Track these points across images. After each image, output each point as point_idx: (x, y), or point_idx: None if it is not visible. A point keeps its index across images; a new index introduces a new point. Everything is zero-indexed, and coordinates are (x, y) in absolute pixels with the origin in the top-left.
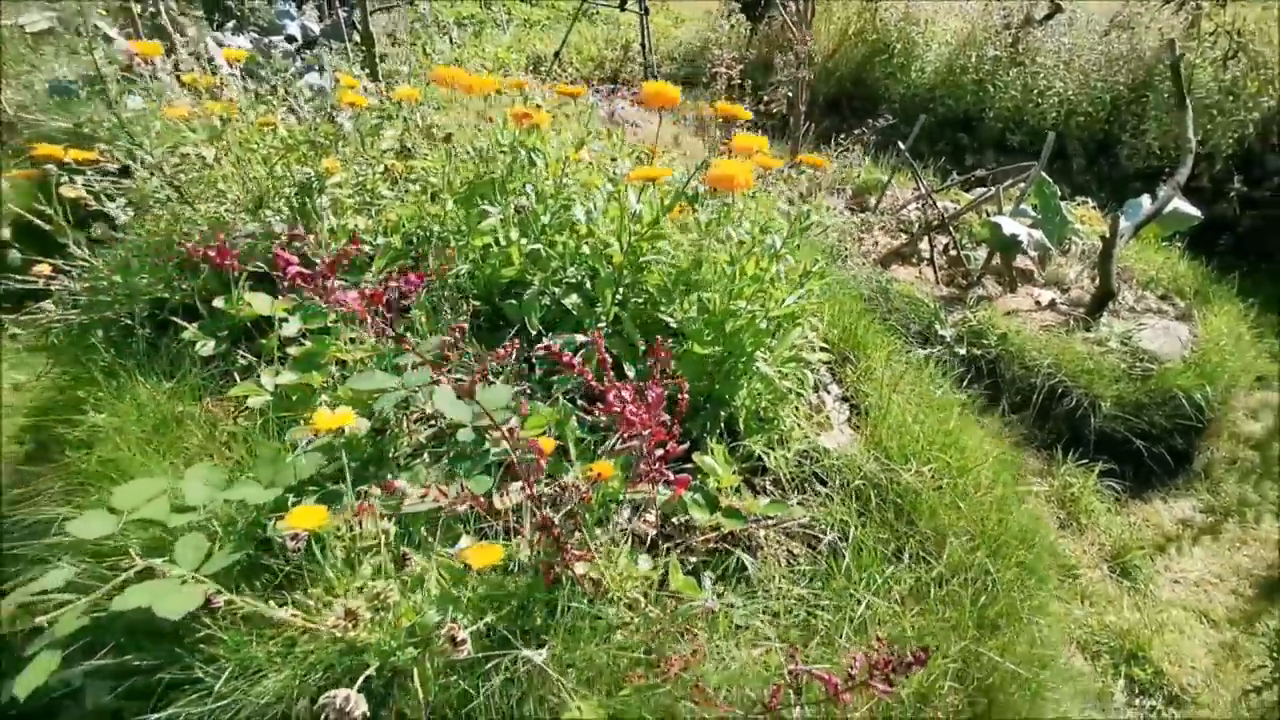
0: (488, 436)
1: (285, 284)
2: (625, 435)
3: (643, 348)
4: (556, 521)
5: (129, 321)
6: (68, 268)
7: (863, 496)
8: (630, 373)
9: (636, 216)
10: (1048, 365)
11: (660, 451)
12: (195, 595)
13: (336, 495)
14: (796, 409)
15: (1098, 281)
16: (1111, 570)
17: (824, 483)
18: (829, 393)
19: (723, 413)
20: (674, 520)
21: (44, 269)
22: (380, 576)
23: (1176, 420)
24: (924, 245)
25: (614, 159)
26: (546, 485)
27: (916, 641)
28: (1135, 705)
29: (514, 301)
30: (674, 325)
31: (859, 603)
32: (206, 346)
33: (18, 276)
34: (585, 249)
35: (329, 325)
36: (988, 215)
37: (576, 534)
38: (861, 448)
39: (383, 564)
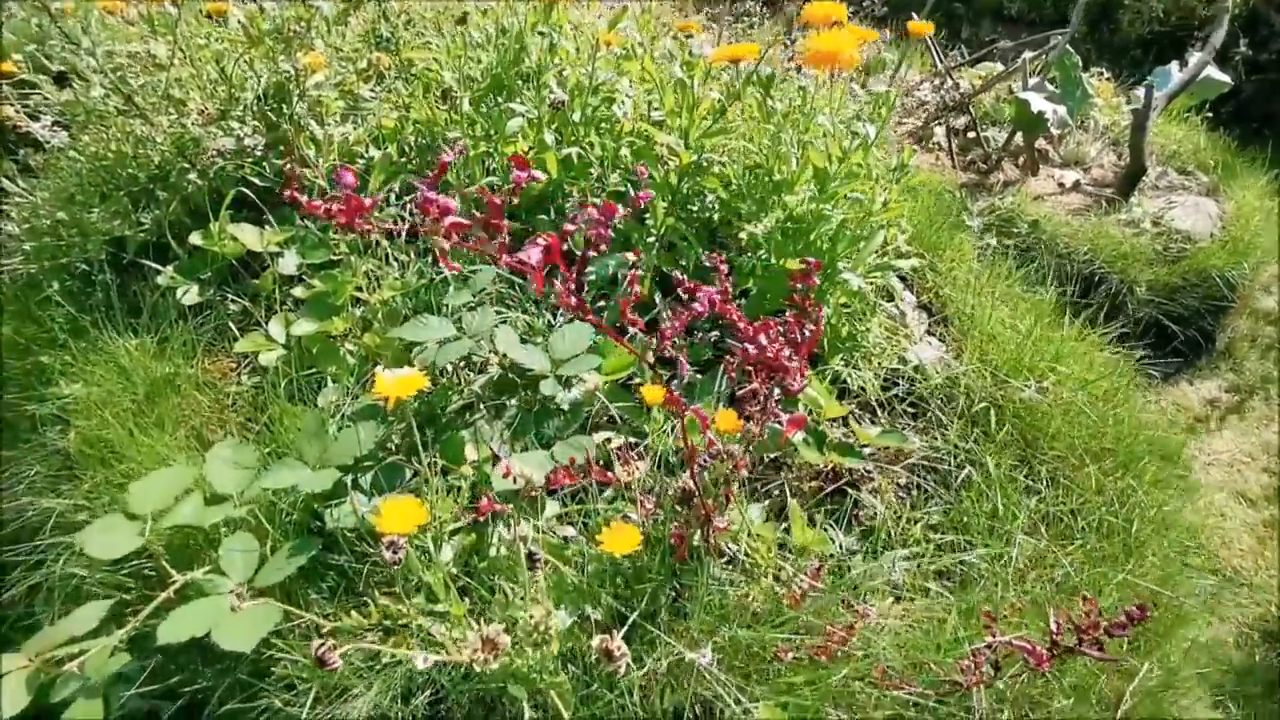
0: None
1: (437, 236)
2: (759, 378)
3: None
4: (698, 490)
5: (85, 267)
6: (1, 206)
7: (978, 419)
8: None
9: (697, 104)
10: (1084, 252)
11: (778, 392)
12: (264, 619)
13: (396, 470)
14: (879, 323)
15: (1127, 158)
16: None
17: (921, 404)
18: (904, 300)
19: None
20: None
21: None
22: (505, 583)
23: (1208, 301)
24: (939, 128)
25: (653, 38)
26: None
27: (1087, 585)
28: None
29: (545, 217)
30: (746, 236)
31: (1006, 542)
32: (189, 293)
33: None
34: (625, 151)
35: (334, 257)
36: (1011, 91)
37: (729, 507)
38: (965, 361)
39: (502, 563)
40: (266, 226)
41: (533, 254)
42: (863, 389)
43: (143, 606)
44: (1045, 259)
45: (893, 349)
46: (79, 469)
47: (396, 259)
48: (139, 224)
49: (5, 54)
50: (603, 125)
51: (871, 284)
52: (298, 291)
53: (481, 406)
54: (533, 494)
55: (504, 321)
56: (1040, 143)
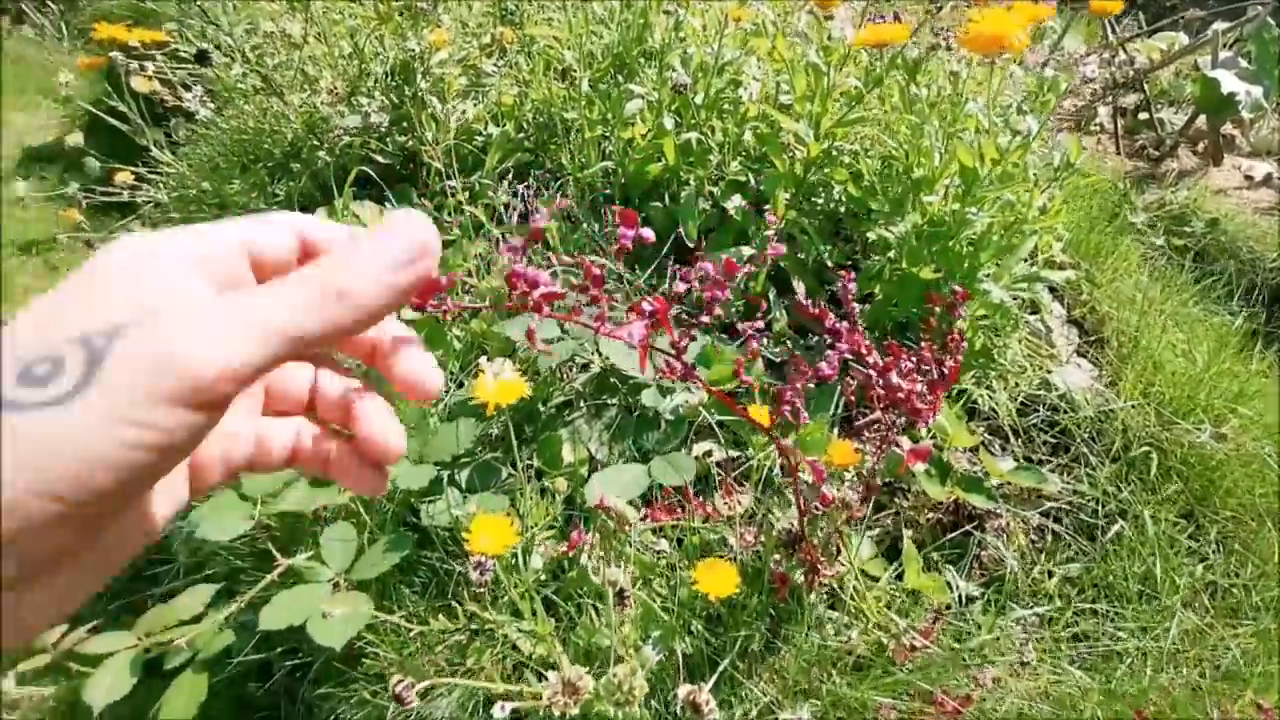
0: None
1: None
2: (881, 404)
3: (828, 262)
4: (807, 535)
5: None
6: (152, 175)
7: (1135, 464)
8: (799, 290)
9: (831, 91)
10: (1273, 260)
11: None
12: (356, 619)
13: (491, 469)
14: (1022, 338)
15: None
16: None
17: (1064, 438)
18: (1052, 314)
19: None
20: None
21: (125, 177)
22: (590, 619)
23: None
24: (1103, 108)
25: (786, 13)
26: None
27: (1258, 678)
28: None
29: (659, 205)
30: (875, 237)
31: (1160, 613)
32: None
33: (99, 189)
34: (749, 136)
35: (448, 238)
36: (1196, 67)
37: (837, 553)
38: (1123, 393)
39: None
40: (387, 204)
41: (634, 330)
42: (994, 411)
43: (249, 585)
44: (1224, 264)
45: (1034, 370)
46: None
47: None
48: (274, 196)
49: (160, 22)
50: (725, 108)
51: (1016, 297)
52: None
53: (582, 404)
54: (626, 527)
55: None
56: (1227, 128)
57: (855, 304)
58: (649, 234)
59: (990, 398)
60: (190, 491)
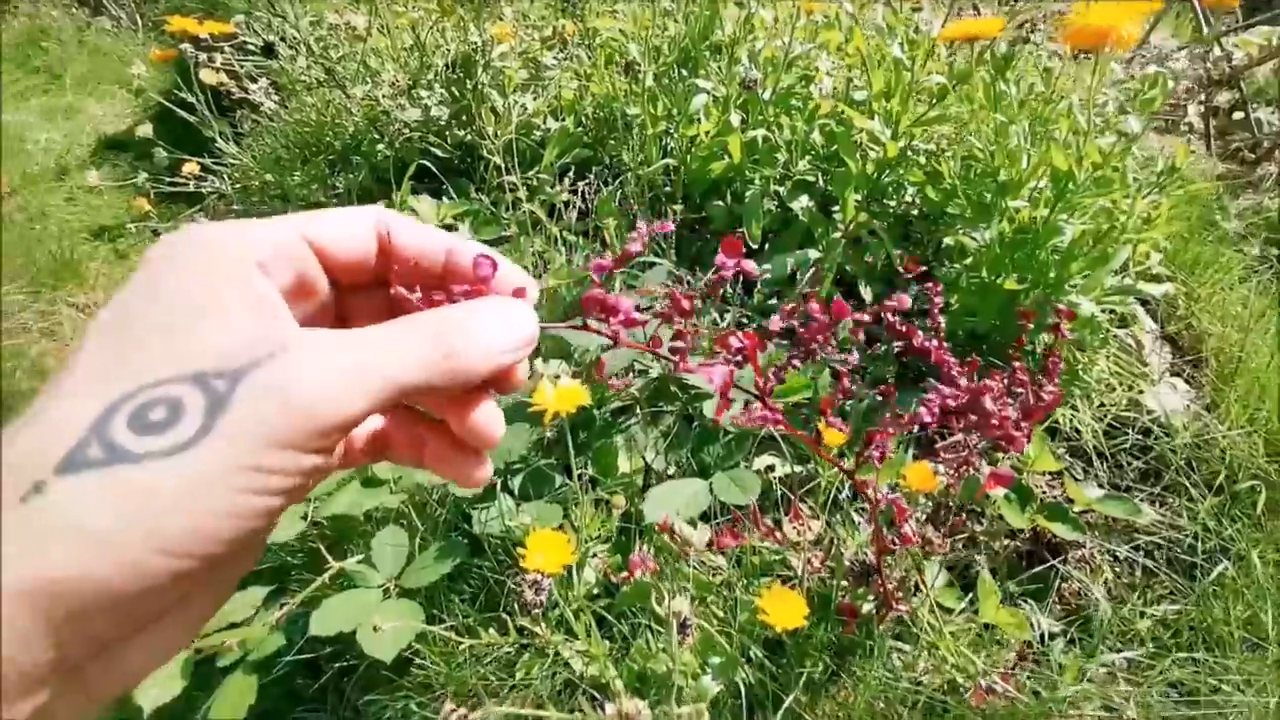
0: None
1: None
2: (961, 424)
3: (899, 268)
4: (882, 569)
5: None
6: (217, 166)
7: (1240, 498)
8: (867, 295)
9: (914, 89)
10: None
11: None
12: (406, 631)
13: (545, 477)
14: (1110, 354)
15: None
16: None
17: (1157, 464)
18: (1144, 328)
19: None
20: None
21: (192, 168)
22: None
23: None
24: (1193, 109)
25: (862, 5)
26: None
27: None
28: None
29: (721, 204)
30: (953, 242)
31: (1271, 664)
32: None
33: (167, 178)
34: (817, 135)
35: (505, 234)
36: None
37: (915, 590)
38: (1226, 418)
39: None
40: (445, 199)
41: (716, 375)
42: (1077, 432)
43: (299, 585)
44: None
45: (1123, 389)
46: None
47: (565, 242)
48: (333, 189)
49: (229, 16)
50: (794, 105)
51: (1107, 310)
52: None
53: (639, 411)
54: (687, 550)
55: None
56: None
57: (942, 322)
58: (751, 266)
59: (1074, 417)
60: None
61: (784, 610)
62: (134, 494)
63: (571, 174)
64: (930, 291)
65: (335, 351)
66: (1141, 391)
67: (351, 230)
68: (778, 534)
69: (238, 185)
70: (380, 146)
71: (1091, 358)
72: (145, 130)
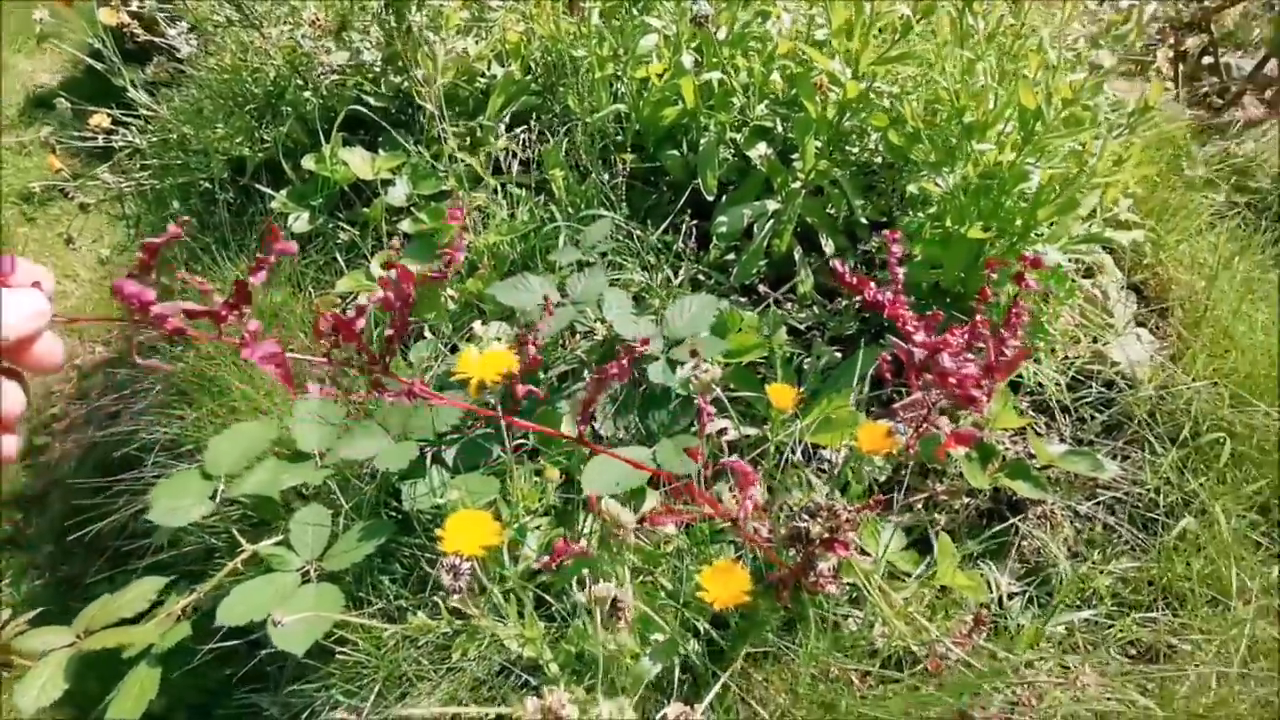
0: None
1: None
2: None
3: (863, 219)
4: (812, 536)
5: (208, 185)
6: (128, 118)
7: (1204, 451)
8: (828, 248)
9: (874, 23)
10: None
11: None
12: (319, 624)
13: (480, 448)
14: (1073, 305)
15: None
16: None
17: (1121, 418)
18: (1111, 277)
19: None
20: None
21: (101, 120)
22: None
23: None
24: (1161, 53)
25: None
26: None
27: None
28: None
29: (676, 153)
30: (916, 189)
31: (1228, 620)
32: (299, 220)
33: (74, 133)
34: (777, 77)
35: (445, 189)
36: (1272, 7)
37: (833, 556)
38: (1189, 368)
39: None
40: (381, 151)
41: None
42: (1041, 385)
43: (220, 570)
44: None
45: (1088, 341)
46: (190, 399)
47: (508, 196)
48: (262, 142)
49: None
50: (752, 45)
51: (1073, 260)
52: (404, 225)
53: (586, 374)
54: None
55: (616, 283)
56: None
57: (901, 277)
58: None
59: (1037, 371)
60: None
61: (726, 587)
62: None
63: (518, 123)
64: (889, 241)
65: None
66: (1106, 343)
67: None
68: (719, 506)
69: (154, 140)
70: (307, 94)
71: (1056, 309)
72: (51, 81)
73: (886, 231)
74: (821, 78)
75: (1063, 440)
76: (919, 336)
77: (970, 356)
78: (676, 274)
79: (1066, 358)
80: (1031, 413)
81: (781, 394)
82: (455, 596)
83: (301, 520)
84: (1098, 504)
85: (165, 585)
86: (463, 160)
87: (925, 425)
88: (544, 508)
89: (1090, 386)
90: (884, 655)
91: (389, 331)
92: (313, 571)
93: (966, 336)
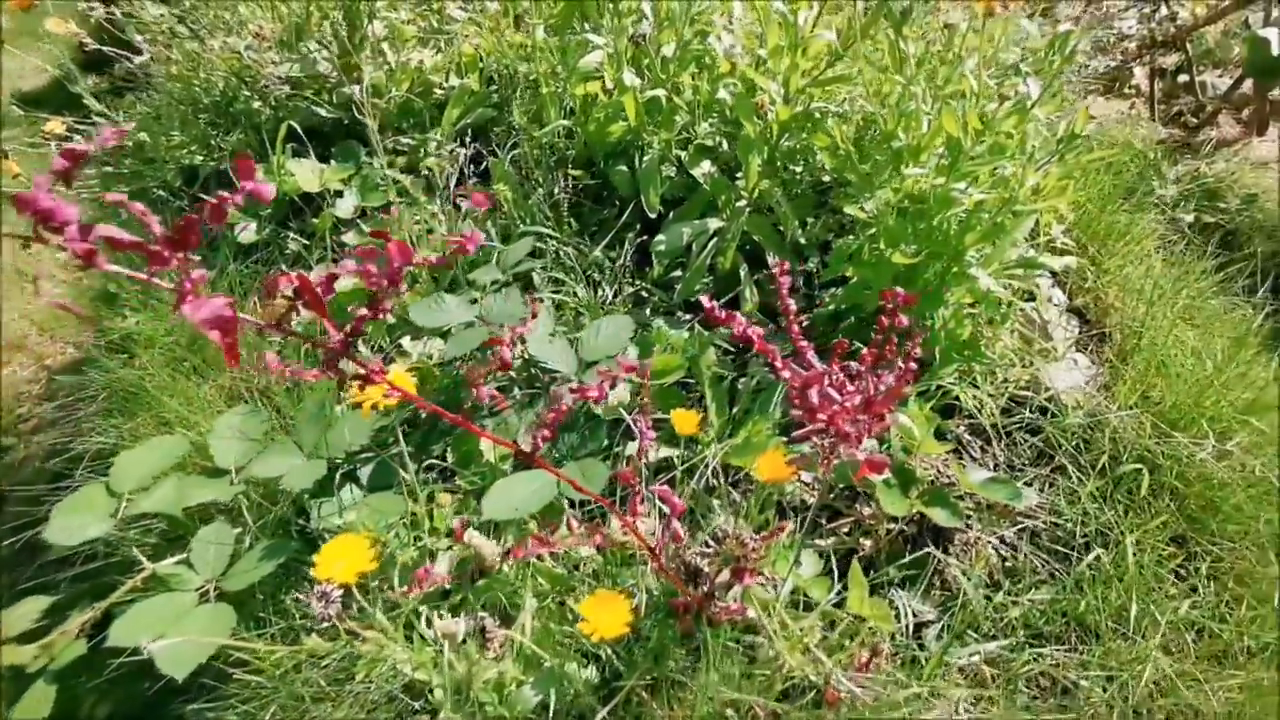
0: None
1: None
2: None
3: (801, 239)
4: (706, 572)
5: (161, 193)
6: (82, 126)
7: (1124, 480)
8: (776, 268)
9: (802, 46)
10: None
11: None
12: (203, 648)
13: (390, 470)
14: (1013, 329)
15: None
16: None
17: (1050, 444)
18: (1052, 301)
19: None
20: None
21: (55, 126)
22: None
23: None
24: (1139, 71)
25: None
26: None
27: None
28: None
29: (624, 169)
30: (853, 212)
31: (1134, 655)
32: (246, 231)
33: (25, 139)
34: (724, 94)
35: (394, 201)
36: (1247, 26)
37: (736, 586)
38: (1118, 396)
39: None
40: (333, 162)
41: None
42: (980, 408)
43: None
44: (1258, 246)
45: (1024, 366)
46: (128, 407)
47: (458, 210)
48: (219, 150)
49: None
50: (701, 63)
51: (1009, 285)
52: (349, 238)
53: (516, 393)
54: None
55: (543, 301)
56: (1277, 93)
57: (820, 292)
58: None
59: (975, 395)
60: None
61: (606, 618)
62: None
63: (470, 137)
64: (779, 271)
65: None
66: (1040, 369)
67: None
68: (598, 535)
69: (109, 146)
70: (257, 104)
71: (996, 332)
72: (19, 84)
73: (776, 261)
74: (763, 98)
75: (995, 466)
76: (787, 372)
77: (852, 389)
78: (619, 292)
79: (1005, 381)
80: (969, 436)
81: (684, 419)
82: (324, 624)
83: (204, 539)
84: (1022, 531)
85: (70, 599)
86: (397, 175)
87: (833, 454)
88: (449, 527)
89: (1023, 411)
90: (786, 686)
91: (363, 310)
92: (211, 591)
93: (841, 371)
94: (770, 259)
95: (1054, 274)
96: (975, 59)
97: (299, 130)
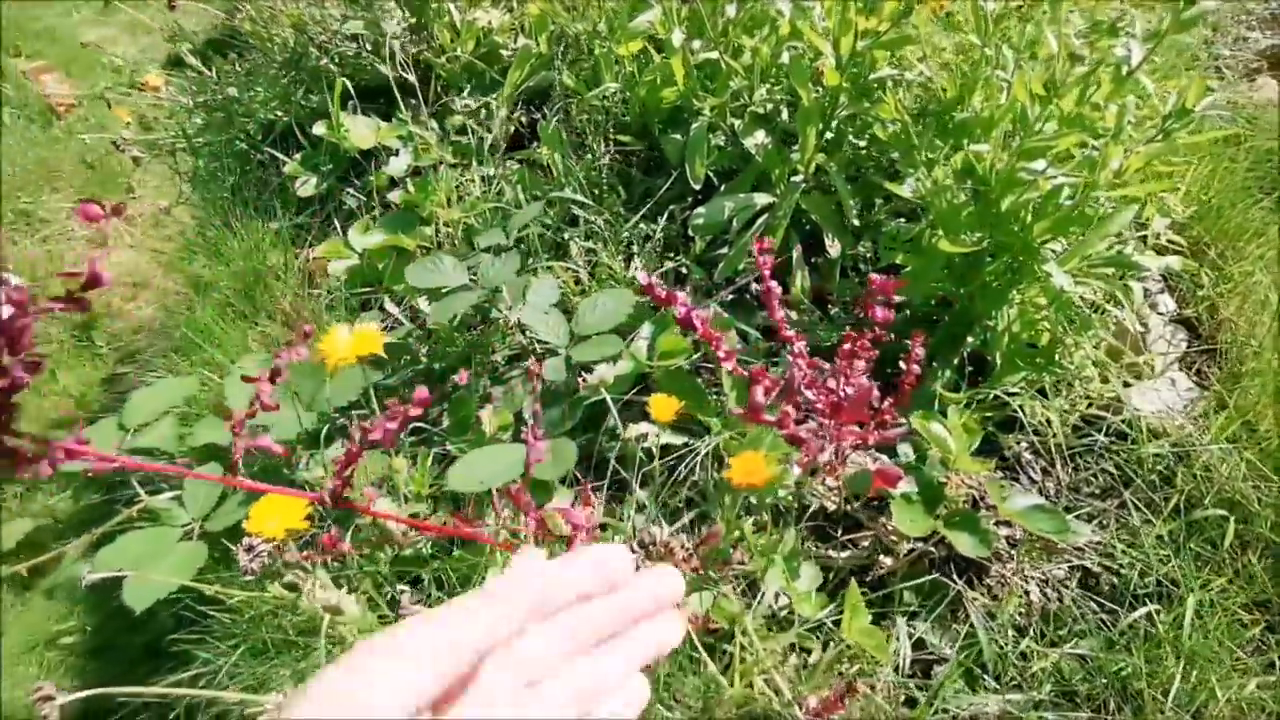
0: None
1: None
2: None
3: (856, 221)
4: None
5: (244, 146)
6: (178, 79)
7: (1202, 523)
8: (833, 251)
9: (870, 7)
10: None
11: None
12: (162, 587)
13: None
14: (1096, 339)
15: None
16: None
17: (1127, 472)
18: (1155, 309)
19: (970, 338)
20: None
21: (153, 79)
22: None
23: None
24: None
25: None
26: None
27: None
28: None
29: (677, 137)
30: (910, 193)
31: None
32: (306, 185)
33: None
34: (786, 58)
35: (451, 161)
36: None
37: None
38: (1213, 426)
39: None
40: (394, 119)
41: None
42: (1047, 424)
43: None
44: None
45: (1115, 379)
46: (190, 349)
47: (504, 172)
48: (300, 106)
49: None
50: (755, 24)
51: (1084, 284)
52: (394, 196)
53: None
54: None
55: (534, 271)
56: None
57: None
58: None
59: (1044, 408)
60: None
61: None
62: None
63: (531, 100)
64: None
65: None
66: (1128, 384)
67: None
68: (544, 529)
69: (201, 100)
70: (324, 62)
71: (1076, 340)
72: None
73: (758, 241)
74: (823, 62)
75: (1056, 492)
76: (729, 365)
77: (828, 391)
78: (657, 267)
79: (1084, 397)
80: (1028, 456)
81: (661, 405)
82: (249, 576)
83: (195, 482)
84: (1072, 570)
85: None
86: (452, 136)
87: (839, 461)
88: (434, 491)
89: (1097, 435)
90: (741, 713)
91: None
92: (196, 530)
93: (811, 369)
94: (828, 240)
95: (1163, 277)
96: (1049, 19)
97: (360, 88)
